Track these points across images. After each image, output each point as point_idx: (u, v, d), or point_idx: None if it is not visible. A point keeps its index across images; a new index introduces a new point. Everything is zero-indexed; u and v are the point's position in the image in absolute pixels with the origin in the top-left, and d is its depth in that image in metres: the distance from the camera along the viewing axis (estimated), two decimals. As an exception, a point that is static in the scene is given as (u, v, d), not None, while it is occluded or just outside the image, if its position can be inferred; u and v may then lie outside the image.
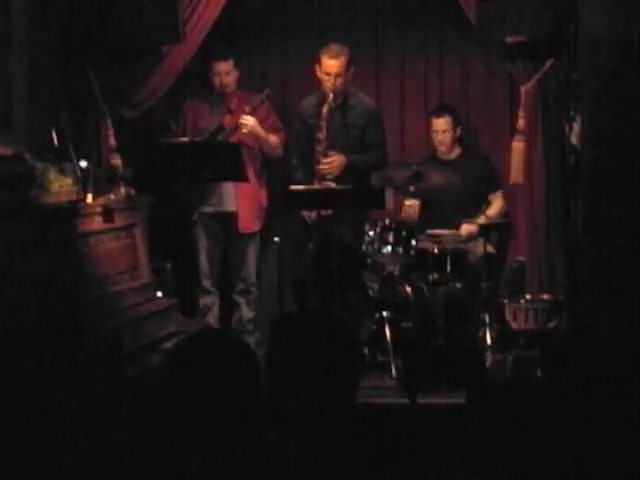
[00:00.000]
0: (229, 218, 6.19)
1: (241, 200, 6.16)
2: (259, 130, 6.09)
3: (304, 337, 2.50)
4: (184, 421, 2.42)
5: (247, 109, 6.03)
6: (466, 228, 6.06)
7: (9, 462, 2.81)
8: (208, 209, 6.20)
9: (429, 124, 6.35)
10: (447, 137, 6.26)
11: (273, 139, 6.19)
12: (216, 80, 6.16)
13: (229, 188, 6.13)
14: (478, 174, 6.20)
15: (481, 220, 5.86)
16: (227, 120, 6.13)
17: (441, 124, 6.25)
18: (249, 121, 6.02)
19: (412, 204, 6.16)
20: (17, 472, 2.79)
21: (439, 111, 6.30)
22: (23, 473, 2.78)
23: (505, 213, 6.28)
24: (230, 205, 6.17)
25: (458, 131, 6.30)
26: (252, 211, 6.22)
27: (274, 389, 2.47)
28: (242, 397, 2.44)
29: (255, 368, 2.48)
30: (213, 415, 2.41)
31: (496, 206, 6.23)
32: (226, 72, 6.15)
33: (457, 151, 6.35)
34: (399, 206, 6.18)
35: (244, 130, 6.00)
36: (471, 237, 6.02)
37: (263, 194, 6.30)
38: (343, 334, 2.53)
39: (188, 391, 2.44)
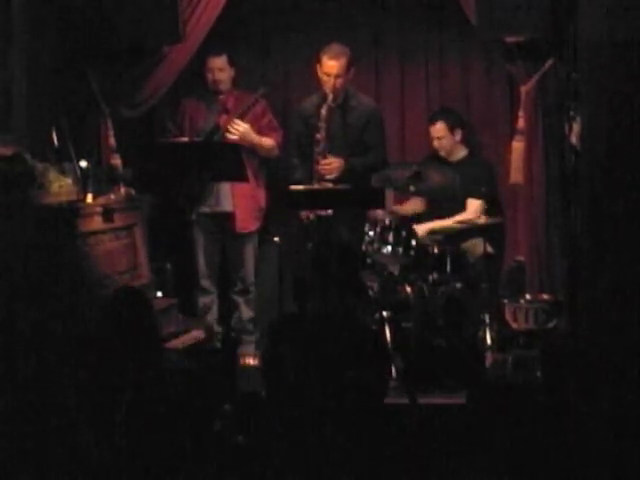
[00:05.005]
0: (226, 218, 6.19)
1: (238, 200, 6.16)
2: (252, 137, 6.08)
3: (304, 338, 2.50)
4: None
5: (242, 108, 6.03)
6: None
7: (11, 461, 2.82)
8: (205, 209, 6.21)
9: (428, 130, 6.34)
10: (444, 142, 6.24)
11: (267, 142, 6.16)
12: (209, 76, 6.17)
13: (226, 188, 6.13)
14: (478, 178, 6.18)
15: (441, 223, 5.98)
16: (223, 120, 6.13)
17: (436, 131, 6.23)
18: (240, 127, 6.02)
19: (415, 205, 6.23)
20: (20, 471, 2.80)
21: (433, 118, 6.28)
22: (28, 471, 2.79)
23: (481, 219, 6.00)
24: (227, 205, 6.17)
25: (458, 134, 6.25)
26: (249, 211, 6.21)
27: (275, 390, 2.48)
28: None
29: None
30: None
31: (470, 211, 6.08)
32: (219, 68, 6.15)
33: (461, 154, 6.30)
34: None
35: (233, 137, 5.99)
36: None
37: (261, 194, 6.29)
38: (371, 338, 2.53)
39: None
